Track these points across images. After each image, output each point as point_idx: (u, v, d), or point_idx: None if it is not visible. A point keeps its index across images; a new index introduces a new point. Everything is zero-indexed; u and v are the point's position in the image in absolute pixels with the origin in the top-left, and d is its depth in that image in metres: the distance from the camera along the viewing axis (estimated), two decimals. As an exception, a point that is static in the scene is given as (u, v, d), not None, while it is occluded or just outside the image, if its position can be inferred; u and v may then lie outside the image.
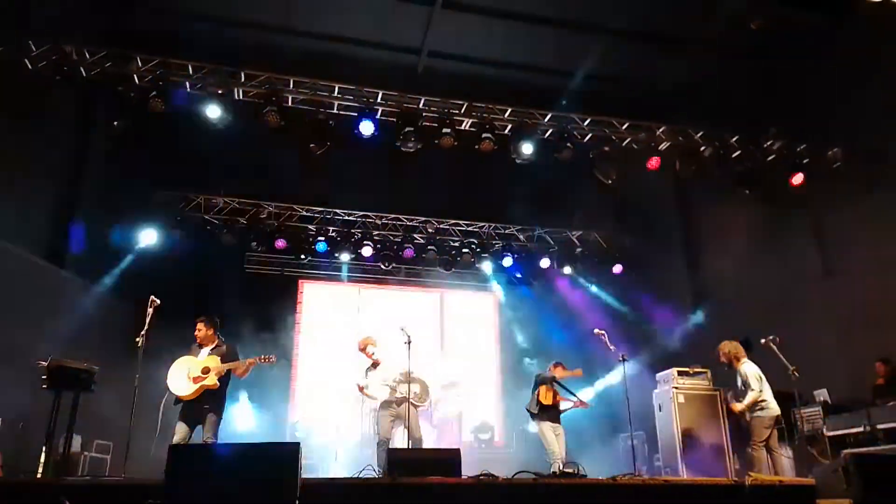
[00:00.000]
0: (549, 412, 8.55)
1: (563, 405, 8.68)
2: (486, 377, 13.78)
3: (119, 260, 10.81)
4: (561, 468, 7.74)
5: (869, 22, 8.53)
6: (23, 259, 8.85)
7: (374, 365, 8.19)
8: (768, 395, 7.51)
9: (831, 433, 7.94)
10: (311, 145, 9.28)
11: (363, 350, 8.26)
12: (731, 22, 9.70)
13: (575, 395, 8.75)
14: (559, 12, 10.71)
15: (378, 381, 8.09)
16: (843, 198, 9.68)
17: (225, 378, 6.78)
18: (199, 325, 6.91)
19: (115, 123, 9.03)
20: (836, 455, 7.30)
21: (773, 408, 7.50)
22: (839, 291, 9.57)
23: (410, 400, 7.86)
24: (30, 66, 8.40)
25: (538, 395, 8.60)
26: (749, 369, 7.60)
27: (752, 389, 7.47)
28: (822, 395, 8.72)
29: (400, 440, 8.02)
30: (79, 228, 10.17)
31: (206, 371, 6.66)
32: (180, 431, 6.55)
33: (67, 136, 10.38)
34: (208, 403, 6.63)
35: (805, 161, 10.02)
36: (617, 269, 12.92)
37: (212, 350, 6.87)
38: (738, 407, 7.74)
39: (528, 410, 8.71)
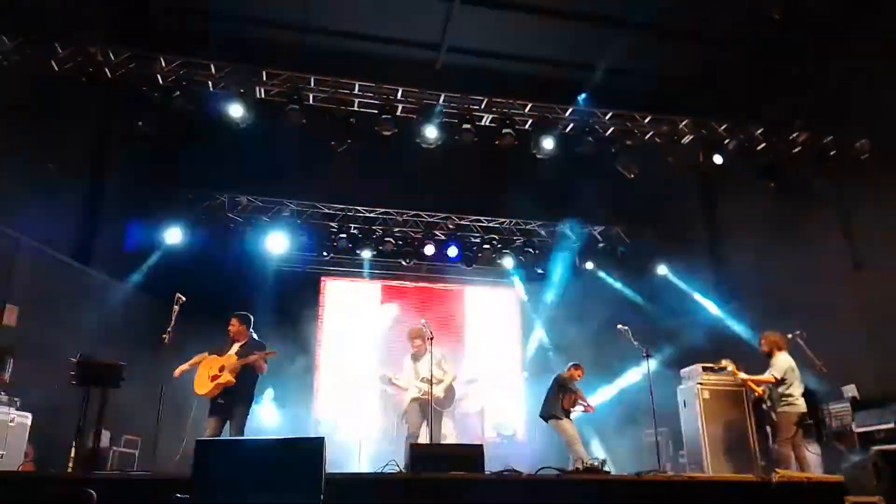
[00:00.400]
0: (566, 411, 8.83)
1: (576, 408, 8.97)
2: (508, 373, 13.75)
3: (145, 258, 10.96)
4: (587, 461, 7.77)
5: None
6: (51, 257, 9.02)
7: (415, 356, 8.29)
8: (797, 391, 7.44)
9: (860, 429, 7.83)
10: (333, 143, 9.32)
11: (411, 339, 8.37)
12: (755, 13, 9.56)
13: (584, 400, 9.02)
14: (579, 6, 10.64)
15: (412, 371, 8.17)
16: (871, 190, 9.51)
17: (248, 375, 6.86)
18: (233, 321, 7.10)
19: (140, 123, 9.15)
20: (865, 451, 7.21)
21: (800, 404, 7.42)
22: (868, 285, 9.40)
23: (433, 404, 7.93)
24: (56, 68, 8.52)
25: (564, 400, 8.71)
26: (783, 359, 7.57)
27: (774, 375, 7.45)
28: (850, 390, 8.59)
29: (427, 437, 8.08)
30: (135, 228, 10.41)
31: (221, 369, 6.76)
32: (210, 427, 6.67)
33: (93, 136, 10.53)
34: (232, 400, 6.73)
35: (832, 153, 9.85)
36: (662, 269, 12.78)
37: (240, 346, 6.98)
38: (742, 375, 7.76)
39: (554, 414, 8.76)
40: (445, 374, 8.39)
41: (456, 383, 11.92)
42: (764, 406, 7.79)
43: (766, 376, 7.55)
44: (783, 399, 7.43)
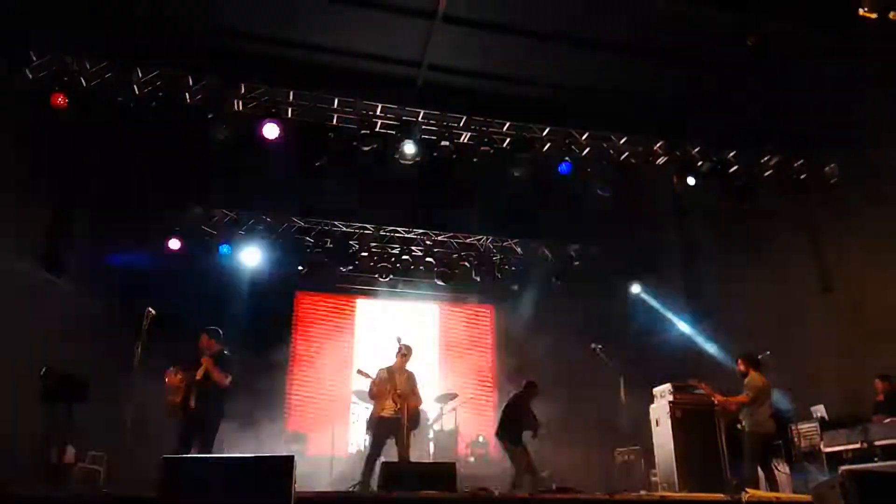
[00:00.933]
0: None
1: None
2: (483, 390, 13.72)
3: (117, 271, 10.77)
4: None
5: (866, 38, 8.61)
6: (19, 269, 8.83)
7: (396, 370, 8.17)
8: (766, 411, 7.50)
9: (829, 449, 7.91)
10: (310, 157, 9.30)
11: (401, 352, 8.31)
12: (729, 37, 9.77)
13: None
14: (558, 27, 10.77)
15: (388, 383, 8.05)
16: (841, 213, 9.72)
17: (215, 392, 6.77)
18: (202, 336, 7.06)
19: (116, 134, 9.06)
20: (834, 471, 7.29)
21: (768, 426, 7.48)
22: (837, 307, 9.58)
23: (405, 424, 7.87)
24: (30, 76, 8.42)
25: (526, 422, 8.63)
26: (755, 378, 7.68)
27: (746, 394, 7.55)
28: (819, 410, 8.70)
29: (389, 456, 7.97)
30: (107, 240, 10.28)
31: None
32: (178, 444, 6.57)
33: (67, 145, 10.37)
34: (200, 418, 6.63)
35: (802, 177, 10.05)
36: (635, 289, 12.85)
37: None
38: (718, 397, 7.87)
39: (518, 435, 8.65)
40: (417, 398, 8.32)
41: (431, 400, 11.90)
42: (739, 426, 7.85)
43: (740, 396, 7.63)
44: (751, 419, 7.49)
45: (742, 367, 7.91)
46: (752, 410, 7.54)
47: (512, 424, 8.74)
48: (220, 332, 7.17)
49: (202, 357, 6.93)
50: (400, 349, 8.32)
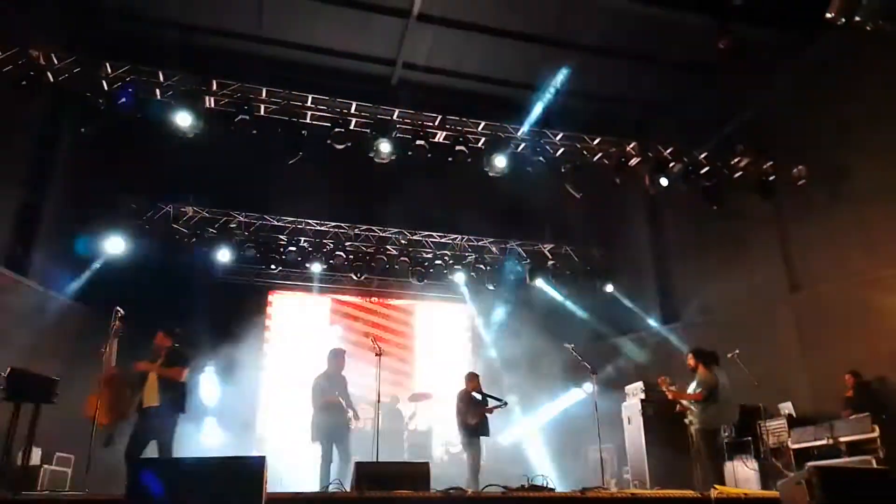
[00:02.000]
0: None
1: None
2: (457, 390, 13.70)
3: (84, 269, 10.58)
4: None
5: (833, 42, 8.79)
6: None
7: (334, 375, 8.23)
8: (716, 409, 7.37)
9: (796, 446, 8.06)
10: (284, 155, 9.21)
11: (341, 359, 8.44)
12: (700, 40, 9.91)
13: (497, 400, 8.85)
14: (533, 28, 10.84)
15: (328, 388, 8.08)
16: (808, 213, 9.91)
17: (172, 389, 6.63)
18: (159, 333, 6.90)
19: (83, 130, 8.88)
20: (801, 467, 7.43)
21: (717, 423, 7.44)
22: (804, 306, 9.78)
23: (346, 424, 8.11)
24: (-6, 71, 8.22)
25: (469, 415, 8.57)
26: (706, 374, 7.50)
27: (700, 391, 7.42)
28: (786, 408, 8.87)
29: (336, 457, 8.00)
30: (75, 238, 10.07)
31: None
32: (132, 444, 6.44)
33: (33, 142, 10.17)
34: (156, 418, 6.50)
35: (771, 178, 10.22)
36: (608, 288, 12.87)
37: (162, 358, 6.79)
38: (671, 393, 7.72)
39: (465, 427, 8.60)
40: (350, 400, 8.38)
41: (405, 400, 11.88)
42: (686, 421, 7.76)
43: (694, 393, 7.54)
44: (702, 416, 7.40)
45: (692, 363, 7.69)
46: (703, 407, 7.38)
47: (458, 418, 8.71)
48: (178, 331, 7.04)
49: (156, 355, 6.80)
50: (339, 353, 8.45)
